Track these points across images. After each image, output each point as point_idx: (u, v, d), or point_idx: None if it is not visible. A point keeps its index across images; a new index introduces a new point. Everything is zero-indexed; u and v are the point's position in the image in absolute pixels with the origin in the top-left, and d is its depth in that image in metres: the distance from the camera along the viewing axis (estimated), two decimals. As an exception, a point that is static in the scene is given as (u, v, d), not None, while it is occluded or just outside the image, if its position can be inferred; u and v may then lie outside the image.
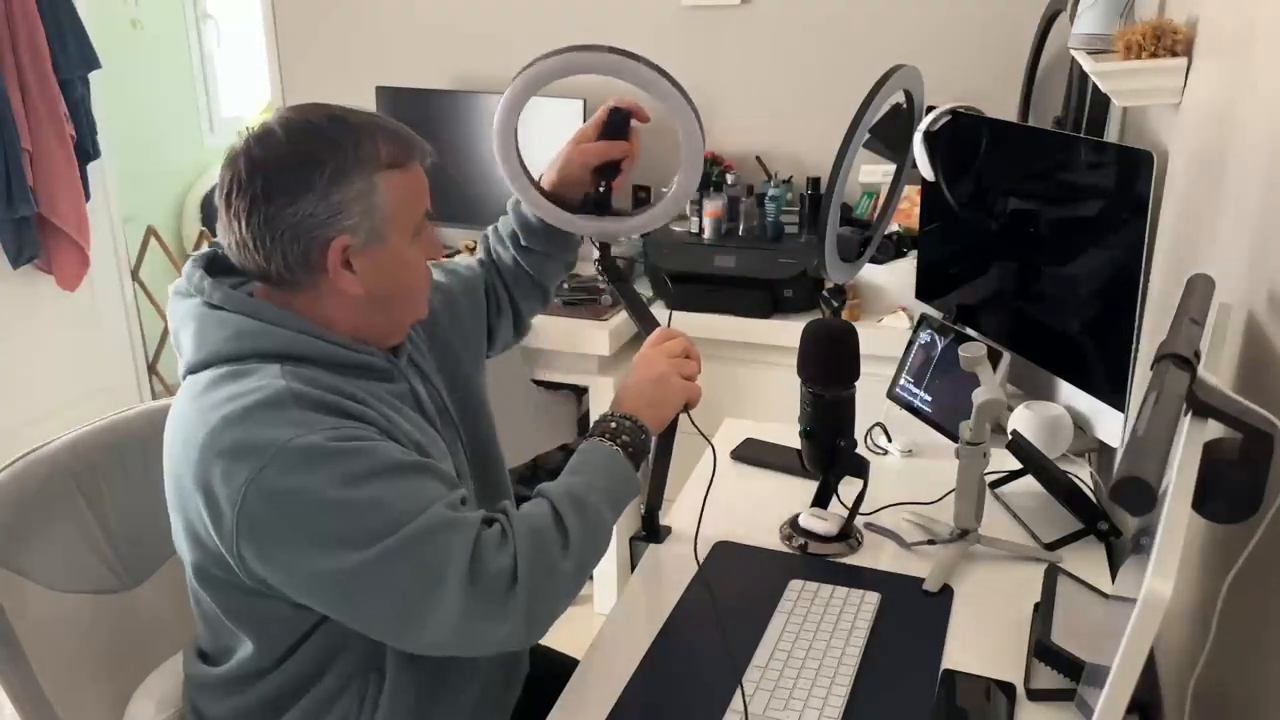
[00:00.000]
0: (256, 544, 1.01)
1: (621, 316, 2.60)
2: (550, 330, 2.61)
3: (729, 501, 1.60)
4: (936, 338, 1.78)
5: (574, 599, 1.09)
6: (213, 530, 1.04)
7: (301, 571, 1.02)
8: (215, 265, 1.16)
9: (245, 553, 1.02)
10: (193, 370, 1.10)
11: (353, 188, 1.07)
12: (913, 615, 1.31)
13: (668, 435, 1.43)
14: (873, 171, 2.69)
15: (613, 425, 1.18)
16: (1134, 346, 1.47)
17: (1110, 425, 1.57)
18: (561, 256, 1.47)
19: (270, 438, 1.00)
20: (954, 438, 1.43)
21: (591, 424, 1.19)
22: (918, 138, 1.81)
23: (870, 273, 2.53)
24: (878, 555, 1.45)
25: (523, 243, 1.45)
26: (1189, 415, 0.84)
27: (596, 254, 1.43)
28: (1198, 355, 0.88)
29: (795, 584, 1.36)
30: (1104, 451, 1.67)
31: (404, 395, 1.18)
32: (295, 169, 1.06)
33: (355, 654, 1.15)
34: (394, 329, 1.19)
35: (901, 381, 1.82)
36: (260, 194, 1.06)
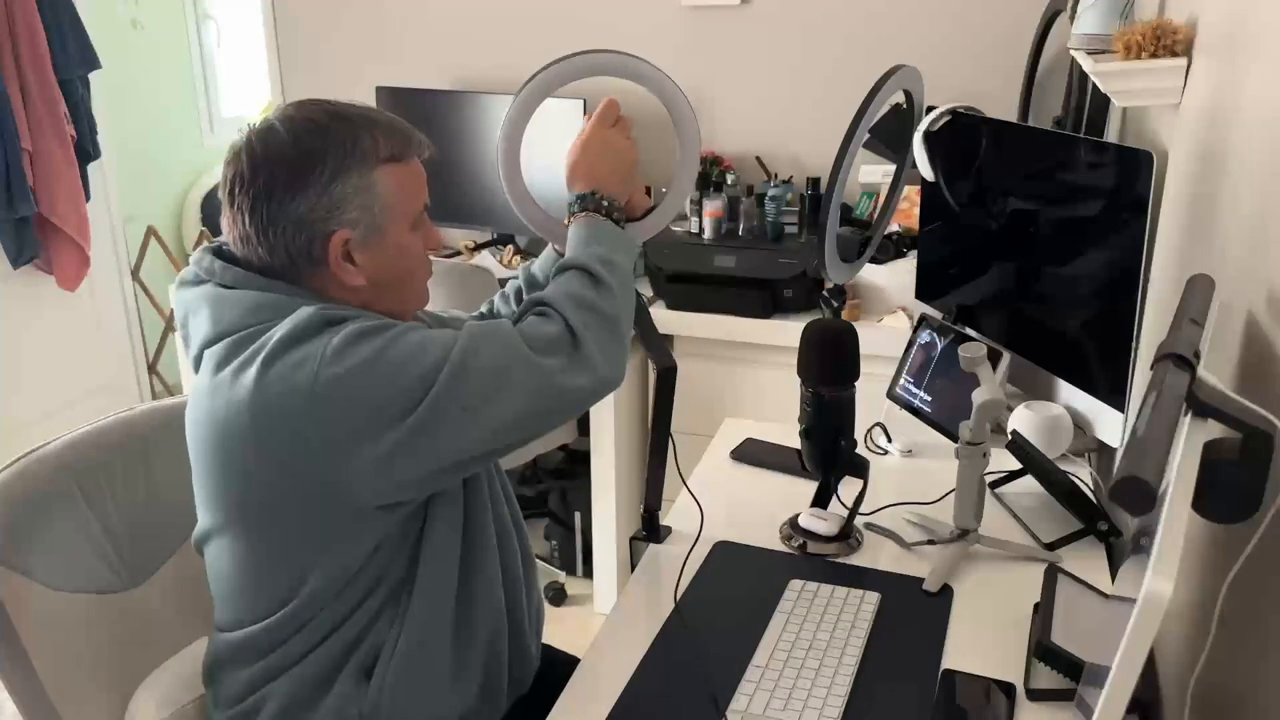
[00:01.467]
0: (344, 437, 1.04)
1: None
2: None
3: (729, 501, 1.61)
4: (936, 338, 1.79)
5: (630, 330, 1.20)
6: (288, 459, 1.05)
7: (396, 438, 1.04)
8: (223, 257, 1.17)
9: (336, 456, 1.04)
10: (210, 343, 1.11)
11: (351, 182, 1.10)
12: (913, 615, 1.31)
13: (663, 437, 1.43)
14: (873, 171, 2.69)
15: (605, 203, 1.24)
16: (1134, 346, 1.47)
17: (1110, 425, 1.57)
18: None
19: (313, 348, 1.04)
20: (954, 438, 1.43)
21: (573, 201, 1.25)
22: (918, 138, 1.81)
23: (870, 273, 2.53)
24: (878, 555, 1.46)
25: (525, 297, 1.46)
26: (1189, 415, 0.84)
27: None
28: (1198, 355, 0.88)
29: (795, 584, 1.36)
30: (1104, 451, 1.67)
31: None
32: (297, 165, 1.09)
33: (388, 583, 1.17)
34: (396, 315, 1.20)
35: (901, 381, 1.82)
36: (263, 189, 1.09)
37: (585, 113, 2.77)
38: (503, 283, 2.70)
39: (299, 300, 1.11)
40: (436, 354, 1.06)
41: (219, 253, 1.17)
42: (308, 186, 1.09)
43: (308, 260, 1.12)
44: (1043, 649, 1.16)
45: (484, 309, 1.51)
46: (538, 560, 2.89)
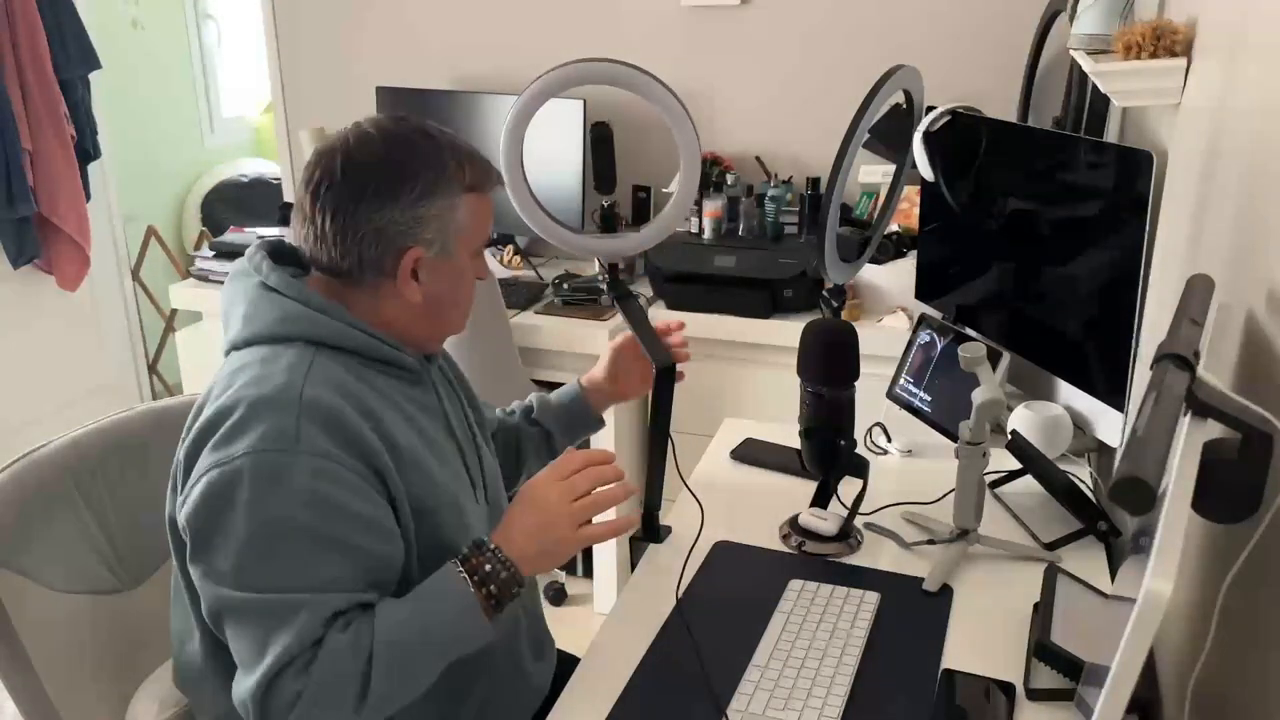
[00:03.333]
0: (184, 522, 1.06)
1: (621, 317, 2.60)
2: (550, 330, 2.62)
3: (729, 501, 1.60)
4: (936, 338, 1.78)
5: None
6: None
7: (194, 569, 1.06)
8: (277, 254, 1.19)
9: (179, 524, 1.08)
10: (236, 347, 1.13)
11: (437, 204, 1.13)
12: (912, 615, 1.31)
13: (662, 437, 1.43)
14: (873, 171, 2.69)
15: (487, 568, 1.07)
16: (1134, 346, 1.47)
17: (1110, 425, 1.57)
18: (559, 443, 1.50)
19: (252, 443, 1.03)
20: (954, 438, 1.43)
21: (472, 543, 1.09)
22: (917, 138, 1.81)
23: (870, 273, 2.53)
24: (877, 555, 1.46)
25: (534, 418, 1.49)
26: (1189, 415, 0.84)
27: (605, 275, 1.45)
28: (1197, 355, 0.88)
29: (795, 584, 1.36)
30: (1104, 451, 1.67)
31: (429, 406, 1.21)
32: (389, 178, 1.11)
33: None
34: (434, 337, 1.23)
35: (901, 381, 1.82)
36: (352, 194, 1.10)
37: (585, 113, 2.79)
38: (503, 283, 2.71)
39: (333, 320, 1.12)
40: (268, 579, 1.02)
41: (273, 250, 1.19)
42: (397, 199, 1.11)
43: (376, 270, 1.13)
44: (1043, 649, 1.16)
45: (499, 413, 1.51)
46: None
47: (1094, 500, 1.50)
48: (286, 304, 1.12)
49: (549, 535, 1.10)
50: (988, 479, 1.48)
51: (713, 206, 2.74)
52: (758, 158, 2.92)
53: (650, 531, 1.52)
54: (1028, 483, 1.55)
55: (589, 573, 2.86)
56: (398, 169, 1.11)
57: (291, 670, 1.01)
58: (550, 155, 2.75)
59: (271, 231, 2.90)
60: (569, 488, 1.11)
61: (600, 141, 1.29)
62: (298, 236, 1.16)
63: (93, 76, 3.29)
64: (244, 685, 1.03)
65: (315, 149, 1.15)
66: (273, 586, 1.02)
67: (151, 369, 3.84)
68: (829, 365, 1.42)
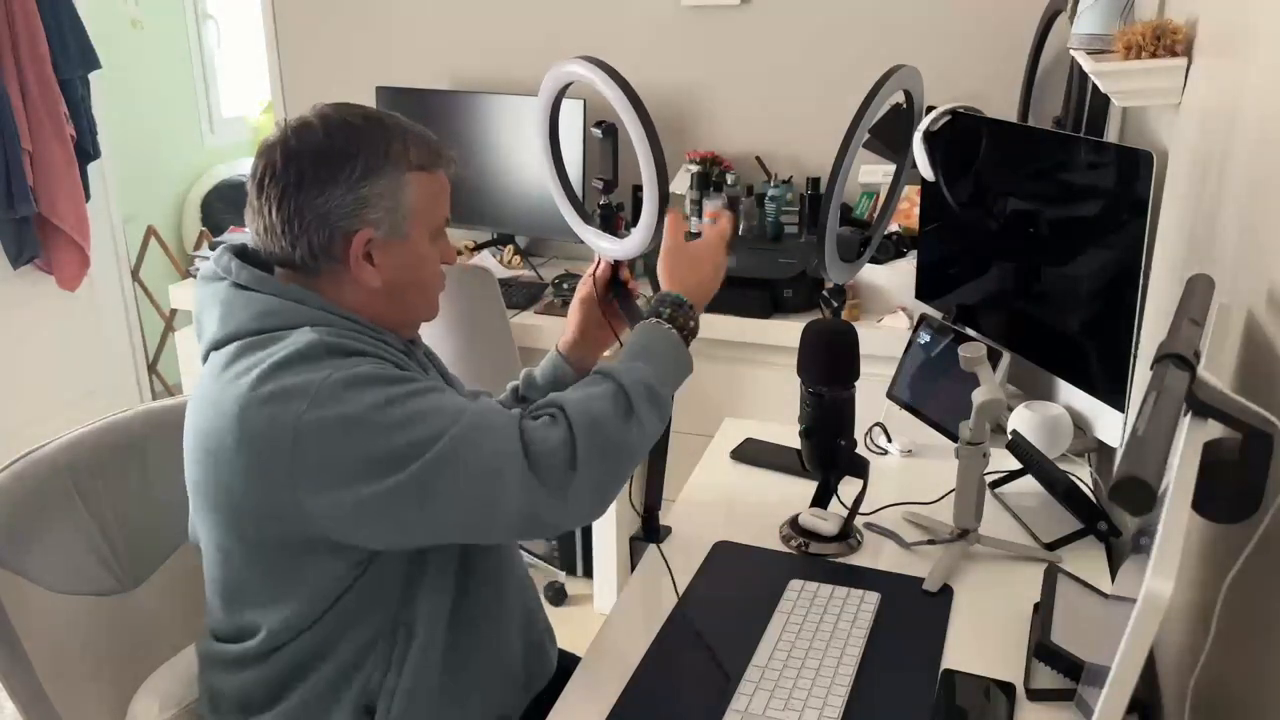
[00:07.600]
0: (315, 480, 1.03)
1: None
2: (550, 330, 2.62)
3: (729, 501, 1.60)
4: (936, 338, 1.78)
5: (631, 473, 1.14)
6: (264, 481, 1.05)
7: (363, 497, 1.03)
8: (243, 257, 1.18)
9: (304, 494, 1.04)
10: (217, 345, 1.12)
11: (380, 184, 1.12)
12: (912, 615, 1.31)
13: (663, 437, 1.43)
14: (873, 171, 2.69)
15: (685, 315, 1.23)
16: (1134, 346, 1.47)
17: (1110, 425, 1.57)
18: None
19: (311, 378, 1.03)
20: (954, 438, 1.43)
21: (660, 299, 1.25)
22: (918, 138, 1.81)
23: (870, 273, 2.53)
24: (878, 555, 1.46)
25: (521, 394, 1.47)
26: (1189, 415, 0.84)
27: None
28: (1198, 355, 0.88)
29: (795, 584, 1.36)
30: (1104, 451, 1.67)
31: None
32: (329, 162, 1.10)
33: (380, 615, 1.15)
34: (403, 324, 1.21)
35: (901, 381, 1.82)
36: (293, 183, 1.10)
37: (585, 114, 2.78)
38: (503, 283, 2.71)
39: (310, 309, 1.11)
40: (436, 426, 1.04)
41: (240, 252, 1.18)
42: (337, 182, 1.10)
43: (327, 257, 1.12)
44: (1043, 649, 1.16)
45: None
46: (538, 560, 2.90)
47: (1094, 500, 1.50)
48: (263, 299, 1.12)
49: (711, 286, 1.29)
50: (988, 479, 1.48)
51: (713, 206, 2.74)
52: (758, 158, 2.92)
53: (650, 531, 1.52)
54: (1028, 483, 1.55)
55: (589, 573, 2.86)
56: (336, 152, 1.10)
57: (539, 431, 1.06)
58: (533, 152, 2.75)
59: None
60: (709, 237, 1.30)
61: (603, 140, 1.30)
62: (253, 232, 1.15)
63: (93, 76, 3.29)
64: (510, 489, 1.03)
65: (261, 142, 1.14)
66: (448, 424, 1.04)
67: (151, 369, 3.84)
68: (829, 365, 1.42)
